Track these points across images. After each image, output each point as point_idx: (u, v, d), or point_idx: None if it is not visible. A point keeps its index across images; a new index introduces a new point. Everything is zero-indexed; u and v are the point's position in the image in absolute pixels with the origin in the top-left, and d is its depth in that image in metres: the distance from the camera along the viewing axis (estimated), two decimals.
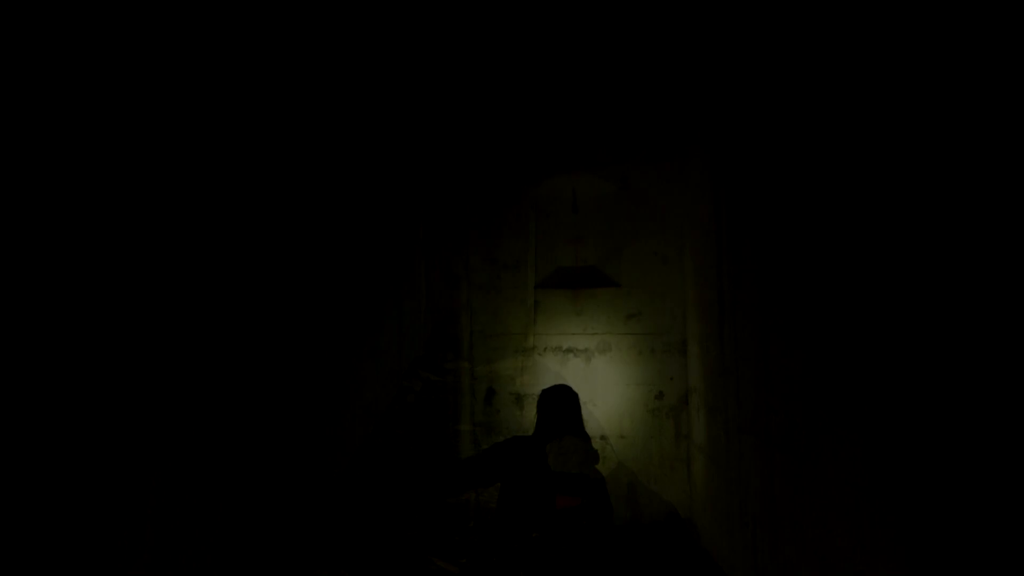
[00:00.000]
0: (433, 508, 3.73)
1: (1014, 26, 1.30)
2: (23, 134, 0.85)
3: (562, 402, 3.15)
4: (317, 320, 1.96)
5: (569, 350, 5.61)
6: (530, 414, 4.86)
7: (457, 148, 5.40)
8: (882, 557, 1.91)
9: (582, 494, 3.00)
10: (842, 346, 2.17)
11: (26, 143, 0.84)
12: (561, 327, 5.60)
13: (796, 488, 2.69)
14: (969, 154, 1.47)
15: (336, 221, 2.13)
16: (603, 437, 5.44)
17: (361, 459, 3.22)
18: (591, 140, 5.56)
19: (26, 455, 0.86)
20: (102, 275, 1.00)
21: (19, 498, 0.83)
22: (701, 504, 5.14)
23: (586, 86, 5.24)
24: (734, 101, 3.63)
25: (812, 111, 2.43)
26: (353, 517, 2.79)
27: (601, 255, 5.62)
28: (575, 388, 3.31)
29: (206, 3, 1.39)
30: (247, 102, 1.62)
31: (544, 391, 3.25)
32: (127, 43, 1.06)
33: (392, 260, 2.83)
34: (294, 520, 1.78)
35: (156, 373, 1.16)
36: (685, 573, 5.07)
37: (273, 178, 1.68)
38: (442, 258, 5.11)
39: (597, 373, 5.59)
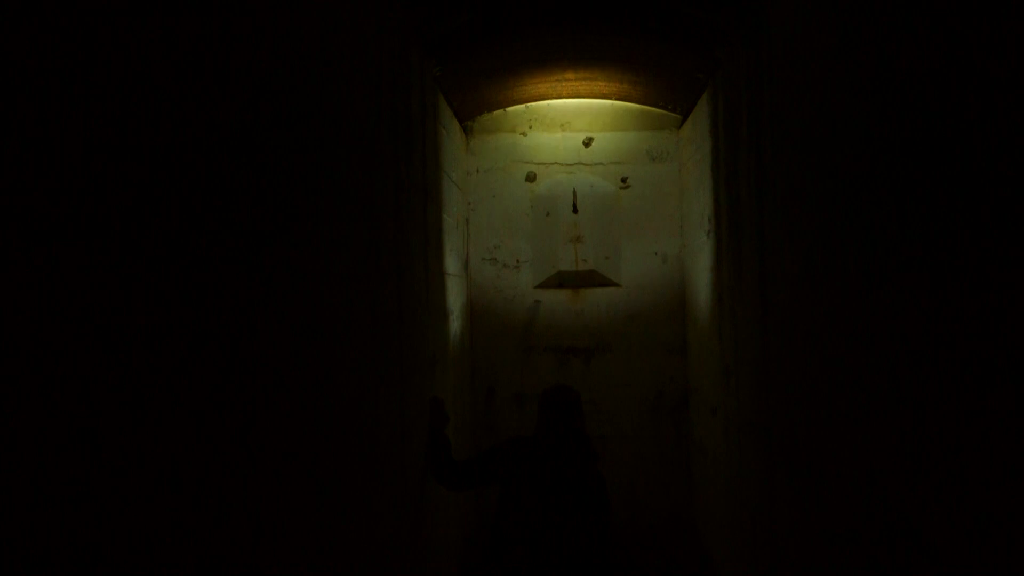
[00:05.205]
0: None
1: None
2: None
3: (562, 402, 3.14)
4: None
5: (569, 350, 5.62)
6: (530, 414, 4.86)
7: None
8: (881, 556, 1.91)
9: (582, 495, 3.00)
10: (842, 347, 2.17)
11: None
12: (561, 327, 5.61)
13: (796, 489, 2.69)
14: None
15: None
16: (603, 437, 5.44)
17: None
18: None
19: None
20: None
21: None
22: (701, 504, 5.14)
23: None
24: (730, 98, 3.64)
25: (805, 111, 2.43)
26: None
27: (601, 255, 5.62)
28: (575, 388, 3.30)
29: None
30: None
31: (545, 391, 3.24)
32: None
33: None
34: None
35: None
36: (685, 573, 5.06)
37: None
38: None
39: (597, 373, 5.59)
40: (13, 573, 0.84)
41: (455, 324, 4.66)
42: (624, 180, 5.60)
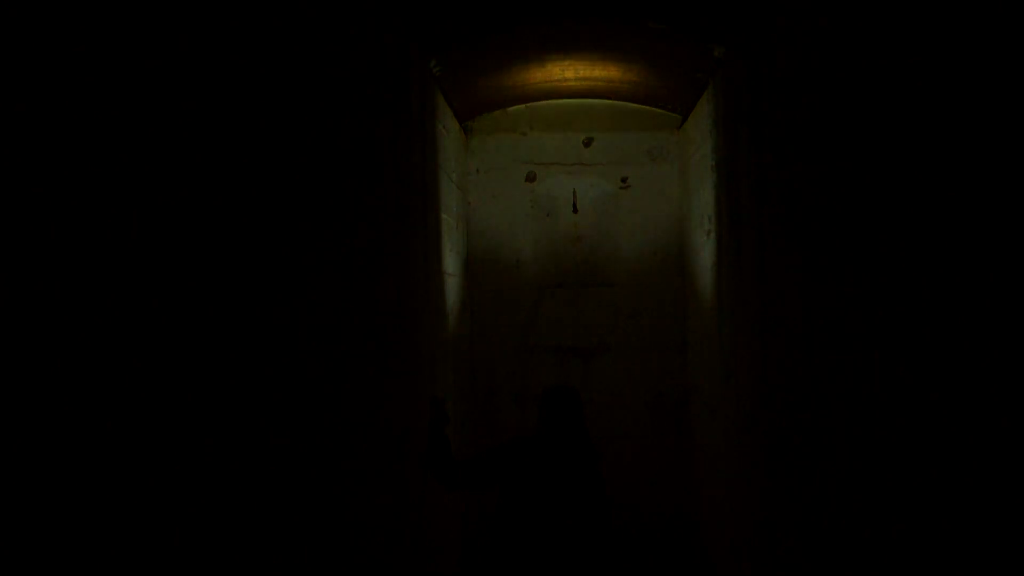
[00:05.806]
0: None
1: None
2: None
3: (563, 402, 3.14)
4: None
5: (569, 350, 5.61)
6: (530, 414, 4.85)
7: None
8: (880, 555, 1.91)
9: (583, 495, 3.00)
10: (842, 347, 2.17)
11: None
12: (561, 327, 5.60)
13: (796, 489, 2.69)
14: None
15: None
16: (603, 437, 5.43)
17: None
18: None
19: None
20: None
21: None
22: (701, 504, 5.14)
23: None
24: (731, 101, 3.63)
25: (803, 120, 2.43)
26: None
27: (601, 255, 5.62)
28: (575, 388, 3.29)
29: None
30: None
31: (545, 391, 3.24)
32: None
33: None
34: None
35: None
36: (685, 573, 5.07)
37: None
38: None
39: (597, 373, 5.58)
40: (13, 573, 0.84)
41: (455, 324, 4.66)
42: (624, 180, 5.60)
